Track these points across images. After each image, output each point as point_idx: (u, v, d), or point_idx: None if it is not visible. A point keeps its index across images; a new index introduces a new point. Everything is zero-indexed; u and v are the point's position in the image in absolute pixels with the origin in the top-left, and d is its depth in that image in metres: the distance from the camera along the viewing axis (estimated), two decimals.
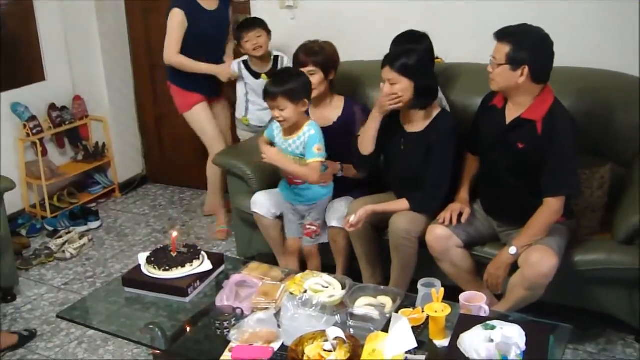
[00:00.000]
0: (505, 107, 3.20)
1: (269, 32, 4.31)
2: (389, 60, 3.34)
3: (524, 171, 3.14)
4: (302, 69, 3.65)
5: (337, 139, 3.63)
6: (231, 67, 4.44)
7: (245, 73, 4.41)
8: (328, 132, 3.56)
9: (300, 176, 3.50)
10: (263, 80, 4.23)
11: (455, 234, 3.25)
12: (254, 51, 4.26)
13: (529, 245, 3.04)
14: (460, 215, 3.29)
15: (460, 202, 3.37)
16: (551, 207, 3.06)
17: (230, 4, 4.58)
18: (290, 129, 3.48)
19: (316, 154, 3.43)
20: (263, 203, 3.78)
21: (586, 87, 3.59)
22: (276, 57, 4.39)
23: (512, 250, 3.07)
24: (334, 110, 3.79)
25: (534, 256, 2.98)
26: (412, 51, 3.36)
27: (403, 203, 3.40)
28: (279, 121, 3.45)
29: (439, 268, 3.30)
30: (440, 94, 3.63)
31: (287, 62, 4.33)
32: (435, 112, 3.43)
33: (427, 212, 3.37)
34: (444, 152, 3.36)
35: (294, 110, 3.38)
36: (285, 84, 3.37)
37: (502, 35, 3.06)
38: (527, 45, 3.01)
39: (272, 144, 3.63)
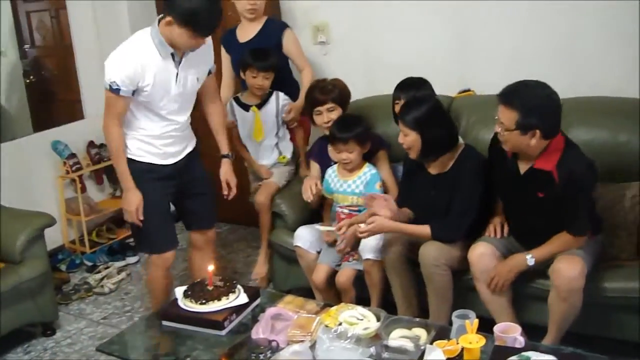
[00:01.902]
0: (515, 156, 3.20)
1: (276, 72, 4.19)
2: (401, 115, 3.39)
3: (546, 214, 3.15)
4: (320, 107, 3.84)
5: None
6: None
7: (236, 108, 4.31)
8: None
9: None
10: (252, 113, 4.24)
11: (496, 249, 3.28)
12: (255, 89, 4.19)
13: (547, 258, 3.10)
14: (503, 228, 3.38)
15: (500, 216, 3.43)
16: (572, 241, 3.10)
17: (282, 35, 4.30)
18: (350, 170, 3.75)
19: (378, 190, 3.68)
20: (306, 238, 3.84)
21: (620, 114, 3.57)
22: (270, 92, 4.26)
23: (531, 261, 3.13)
24: None
25: (560, 264, 3.03)
26: (421, 102, 3.38)
27: (425, 229, 3.39)
28: (345, 163, 3.67)
29: (473, 299, 3.30)
30: None
31: (282, 98, 4.25)
32: (460, 150, 3.45)
33: (448, 241, 3.37)
34: (470, 186, 3.38)
35: (360, 152, 3.70)
36: (354, 129, 3.63)
37: (508, 100, 3.01)
38: (536, 110, 2.96)
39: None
